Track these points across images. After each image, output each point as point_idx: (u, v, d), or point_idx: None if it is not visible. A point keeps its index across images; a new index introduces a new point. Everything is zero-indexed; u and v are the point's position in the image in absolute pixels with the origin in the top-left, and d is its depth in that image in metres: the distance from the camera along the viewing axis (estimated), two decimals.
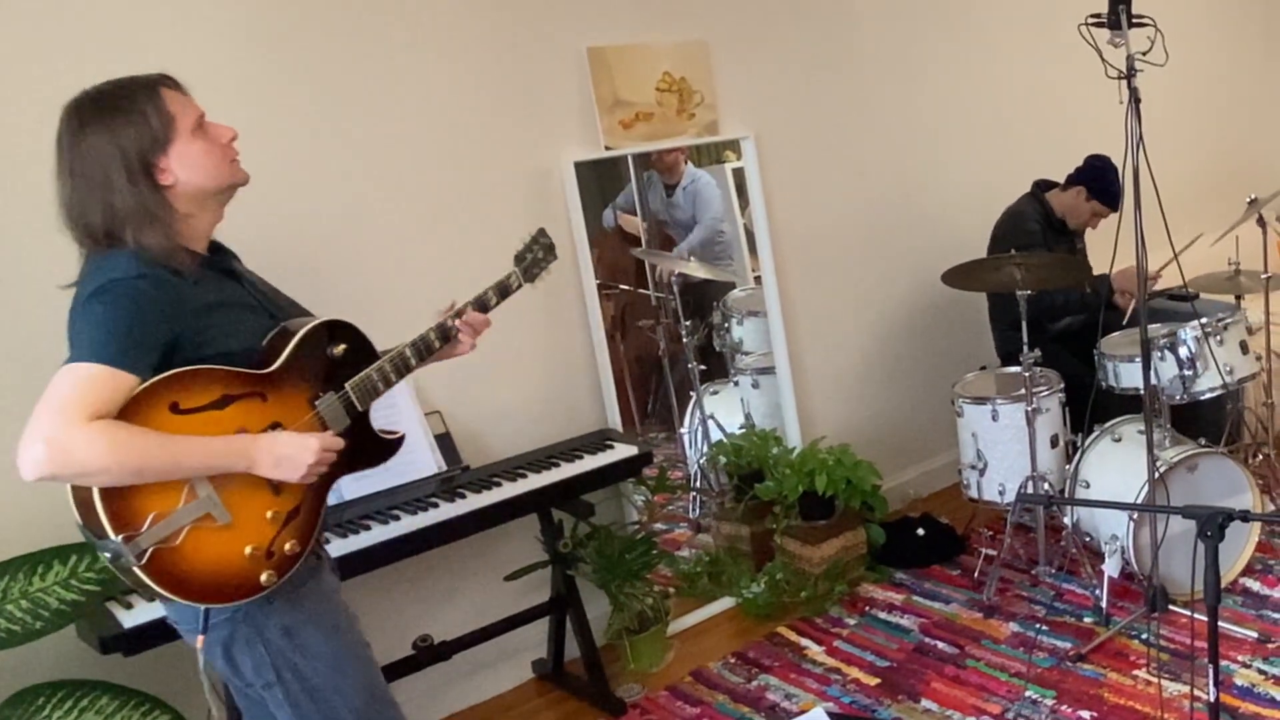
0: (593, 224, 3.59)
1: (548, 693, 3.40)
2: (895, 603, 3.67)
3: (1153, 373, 3.26)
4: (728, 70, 3.81)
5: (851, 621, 3.58)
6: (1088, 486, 3.52)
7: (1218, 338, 3.45)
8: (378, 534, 2.73)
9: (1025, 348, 3.49)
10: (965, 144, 4.58)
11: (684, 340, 3.96)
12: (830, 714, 2.59)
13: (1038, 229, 4.07)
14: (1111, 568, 3.35)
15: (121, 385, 1.67)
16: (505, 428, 3.36)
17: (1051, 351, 3.74)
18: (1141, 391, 3.20)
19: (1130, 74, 2.87)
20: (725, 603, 3.76)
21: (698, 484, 4.08)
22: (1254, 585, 3.44)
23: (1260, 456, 4.02)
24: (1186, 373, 3.44)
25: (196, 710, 2.64)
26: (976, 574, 3.74)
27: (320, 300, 2.14)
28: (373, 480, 2.81)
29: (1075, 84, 3.95)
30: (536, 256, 2.36)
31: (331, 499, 2.08)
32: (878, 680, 3.22)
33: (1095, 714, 2.90)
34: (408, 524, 2.77)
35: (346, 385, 1.97)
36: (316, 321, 1.96)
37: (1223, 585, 3.25)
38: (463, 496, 2.91)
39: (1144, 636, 3.21)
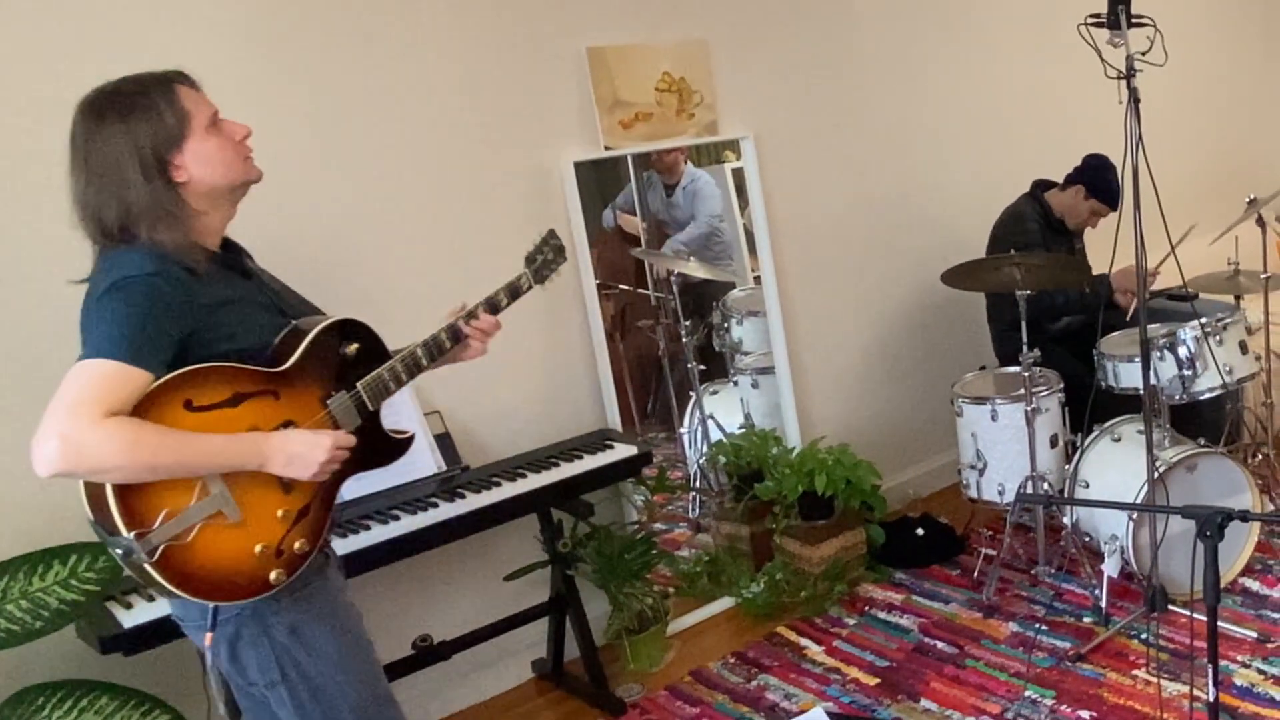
0: (592, 224, 3.59)
1: (547, 692, 3.40)
2: (895, 602, 3.67)
3: (1152, 373, 3.26)
4: (727, 70, 3.81)
5: (851, 621, 3.58)
6: (1087, 486, 3.52)
7: (1217, 338, 3.45)
8: (378, 534, 2.73)
9: (1025, 348, 3.50)
10: (965, 144, 4.58)
11: (683, 340, 3.97)
12: (830, 714, 2.60)
13: (1037, 229, 4.07)
14: (1111, 568, 3.36)
15: (136, 382, 1.67)
16: (505, 428, 3.36)
17: (1049, 351, 3.74)
18: (1141, 391, 3.20)
19: (1129, 74, 2.87)
20: (725, 603, 3.76)
21: (697, 484, 4.08)
22: (1253, 585, 3.44)
23: (1259, 456, 4.02)
24: (1186, 373, 3.44)
25: (196, 710, 2.65)
26: (976, 574, 3.74)
27: (319, 299, 2.14)
28: (372, 480, 2.80)
29: (1075, 84, 3.95)
30: (547, 258, 2.36)
31: None
32: (877, 680, 3.22)
33: (1095, 714, 2.90)
34: (407, 524, 2.78)
35: (358, 384, 1.98)
36: (329, 320, 1.96)
37: (1222, 585, 3.26)
38: (462, 496, 2.91)
39: (1143, 636, 3.21)
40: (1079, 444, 3.62)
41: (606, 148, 3.52)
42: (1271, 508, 3.78)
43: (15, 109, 2.54)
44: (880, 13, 4.28)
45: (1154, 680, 2.99)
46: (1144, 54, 2.88)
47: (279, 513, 1.84)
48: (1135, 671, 3.07)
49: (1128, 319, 3.77)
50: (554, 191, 3.43)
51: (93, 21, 2.63)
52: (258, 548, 1.79)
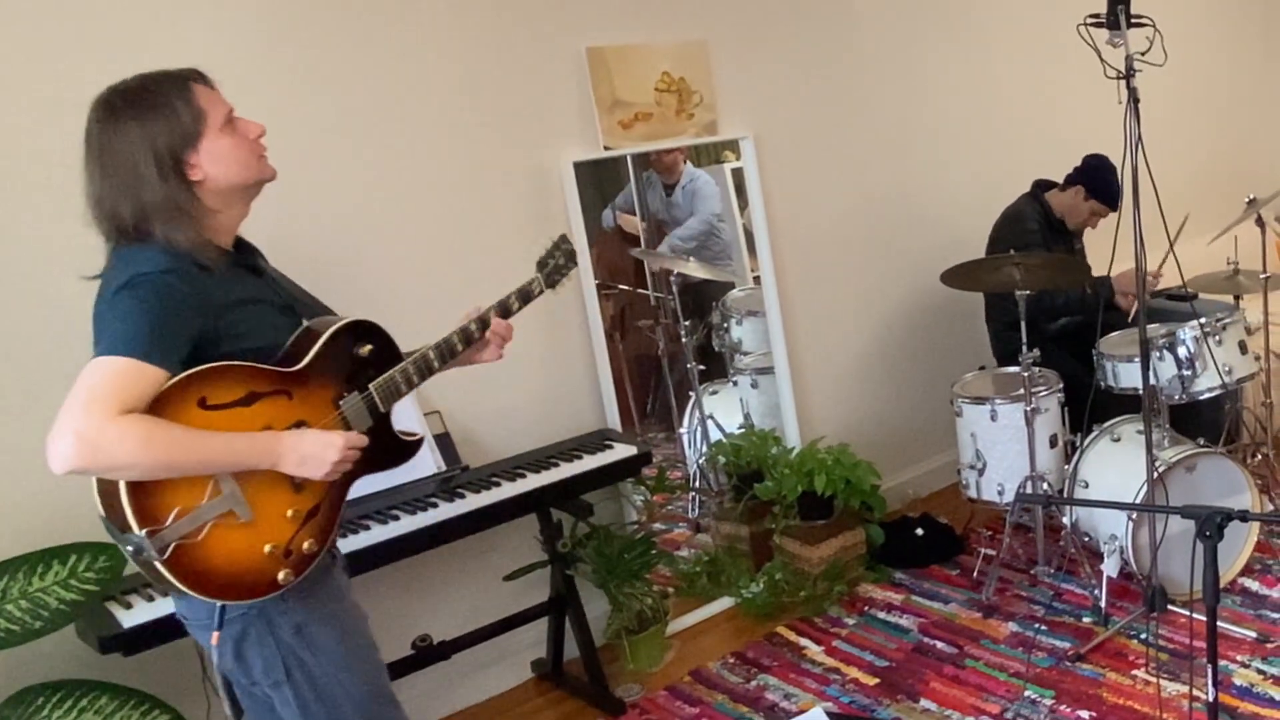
0: (592, 224, 3.60)
1: (547, 692, 3.40)
2: (894, 602, 3.67)
3: (1151, 373, 3.26)
4: (727, 70, 3.81)
5: (850, 621, 3.58)
6: (1086, 486, 3.52)
7: (1216, 338, 3.45)
8: (377, 534, 2.73)
9: (1024, 348, 3.50)
10: (965, 144, 4.58)
11: (683, 340, 3.97)
12: (829, 714, 2.59)
13: (1037, 229, 4.07)
14: (1110, 567, 3.36)
15: (151, 379, 1.67)
16: (504, 428, 3.36)
17: (1047, 352, 3.74)
18: (1140, 391, 3.20)
19: (1129, 74, 2.87)
20: (724, 603, 3.76)
21: (697, 484, 4.08)
22: (1253, 585, 3.44)
23: (1259, 456, 4.02)
24: (1185, 373, 3.44)
25: (195, 710, 2.65)
26: (975, 574, 3.74)
27: (318, 297, 2.14)
28: (372, 480, 2.79)
29: (1075, 84, 3.96)
30: (559, 263, 2.37)
31: None
32: (877, 680, 3.22)
33: (1094, 714, 2.90)
34: (407, 524, 2.78)
35: (370, 386, 1.98)
36: (343, 321, 1.96)
37: (1221, 585, 3.27)
38: (462, 496, 2.91)
39: (1143, 636, 3.22)
40: (1078, 444, 3.62)
41: (606, 148, 3.52)
42: (1271, 508, 3.78)
43: (16, 109, 2.54)
44: (880, 13, 4.28)
45: (1153, 680, 2.99)
46: (1143, 54, 2.88)
47: (289, 513, 1.84)
48: (1135, 671, 3.07)
49: (1129, 321, 3.77)
50: (554, 191, 3.43)
51: (91, 22, 2.63)
52: (267, 547, 1.80)
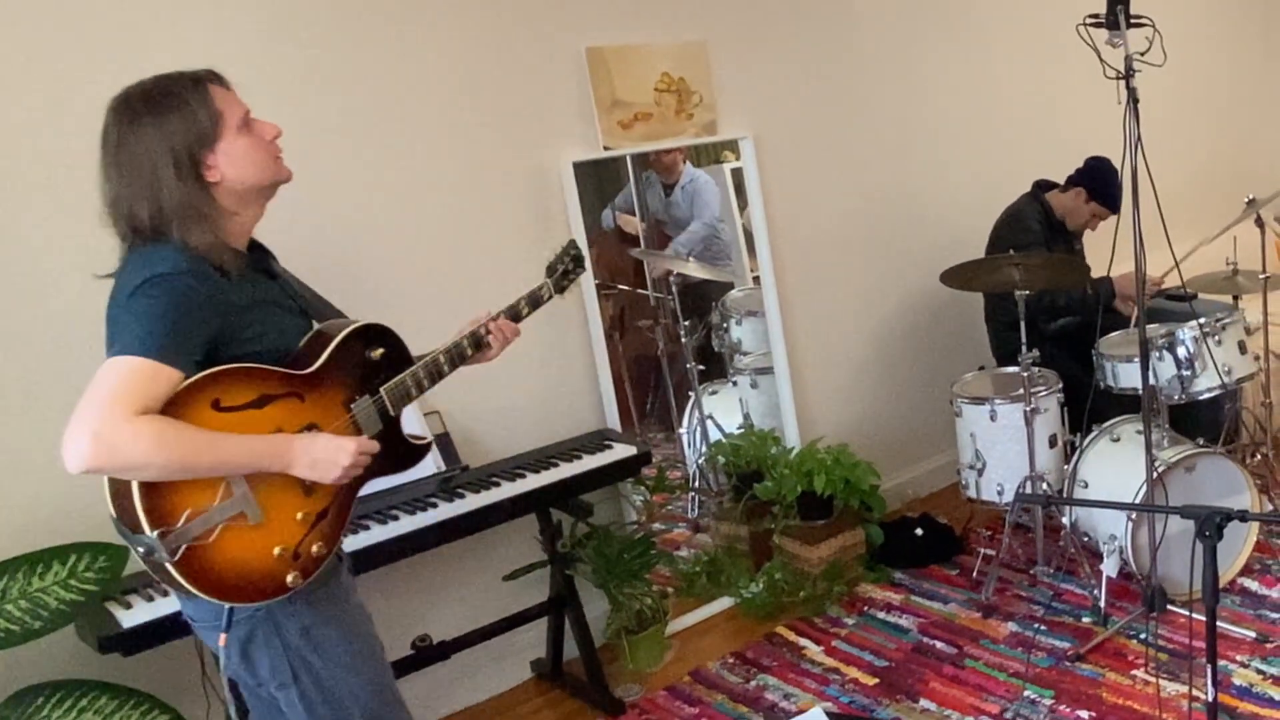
0: (592, 224, 3.60)
1: (546, 692, 3.40)
2: (894, 602, 3.67)
3: (1151, 373, 3.26)
4: (726, 70, 3.81)
5: (850, 621, 3.58)
6: (1086, 486, 3.52)
7: (1216, 338, 3.45)
8: (377, 534, 2.73)
9: (1024, 348, 3.50)
10: (964, 144, 4.58)
11: (683, 340, 3.97)
12: (829, 714, 2.59)
13: (1038, 229, 4.07)
14: (1110, 567, 3.36)
15: (167, 380, 1.67)
16: (504, 428, 3.36)
17: (1047, 352, 3.74)
18: (1140, 391, 3.20)
19: (1128, 74, 2.87)
20: (724, 603, 3.76)
21: (696, 484, 4.08)
22: (1252, 585, 3.44)
23: (1258, 456, 4.02)
24: (1185, 373, 3.44)
25: (195, 710, 2.65)
26: (975, 574, 3.74)
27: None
28: (372, 480, 2.81)
29: (1075, 84, 3.96)
30: (567, 268, 2.39)
31: None
32: (876, 680, 3.22)
33: (1094, 714, 2.90)
34: (407, 524, 2.78)
35: (381, 389, 1.98)
36: (355, 325, 1.97)
37: (1221, 585, 3.26)
38: (461, 496, 2.91)
39: (1142, 636, 3.22)
40: (1078, 444, 3.62)
41: (606, 148, 3.52)
42: (1270, 508, 3.78)
43: (19, 110, 2.54)
44: (880, 13, 4.28)
45: (1153, 680, 2.99)
46: (1143, 54, 2.88)
47: (298, 515, 1.84)
48: (1134, 671, 3.07)
49: (1131, 325, 3.77)
50: (553, 191, 3.43)
51: (90, 23, 2.63)
52: (276, 550, 1.80)
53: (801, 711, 2.85)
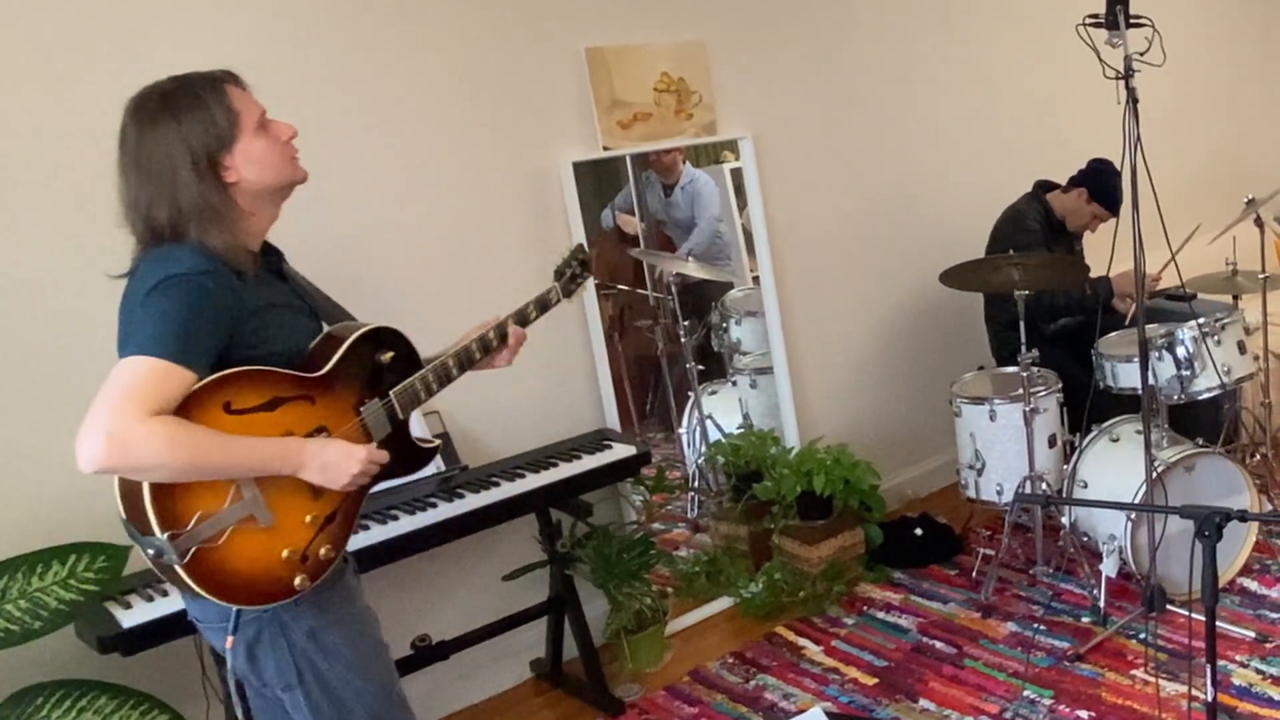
0: (591, 224, 3.59)
1: (546, 692, 3.40)
2: (893, 602, 3.67)
3: (1150, 373, 3.26)
4: (726, 70, 3.81)
5: (849, 621, 3.58)
6: (1085, 486, 3.53)
7: (1215, 338, 3.45)
8: (376, 534, 2.73)
9: (1023, 348, 3.50)
10: (963, 144, 4.58)
11: (682, 340, 3.97)
12: (828, 714, 2.59)
13: (1038, 229, 4.07)
14: (1109, 567, 3.36)
15: (181, 381, 1.67)
16: (503, 428, 3.36)
17: (1046, 352, 3.74)
18: (1139, 391, 3.20)
19: (1128, 74, 2.87)
20: (723, 602, 3.76)
21: (696, 484, 4.08)
22: (1251, 585, 3.45)
23: (1257, 456, 4.02)
24: (1184, 373, 3.44)
25: (195, 710, 2.65)
26: (974, 574, 3.74)
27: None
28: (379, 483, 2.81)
29: (1074, 85, 3.96)
30: (575, 272, 2.39)
31: None
32: (876, 680, 3.22)
33: (1093, 714, 2.91)
34: (406, 524, 2.78)
35: (390, 393, 1.98)
36: (366, 328, 1.97)
37: (1220, 585, 3.26)
38: (461, 496, 2.91)
39: (1142, 636, 3.22)
40: (1077, 444, 3.63)
41: (605, 148, 3.52)
42: (1270, 508, 3.79)
43: (18, 109, 2.54)
44: (880, 13, 4.28)
45: (1152, 680, 2.99)
46: (1142, 54, 2.88)
47: (307, 518, 1.84)
48: (1134, 671, 3.07)
49: (1126, 323, 3.78)
50: (553, 192, 3.43)
51: (90, 22, 2.63)
52: (285, 552, 1.80)
53: (801, 711, 2.85)
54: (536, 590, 3.33)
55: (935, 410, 4.32)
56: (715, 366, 4.18)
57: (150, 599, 2.42)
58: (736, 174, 4.02)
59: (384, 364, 1.98)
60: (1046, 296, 3.88)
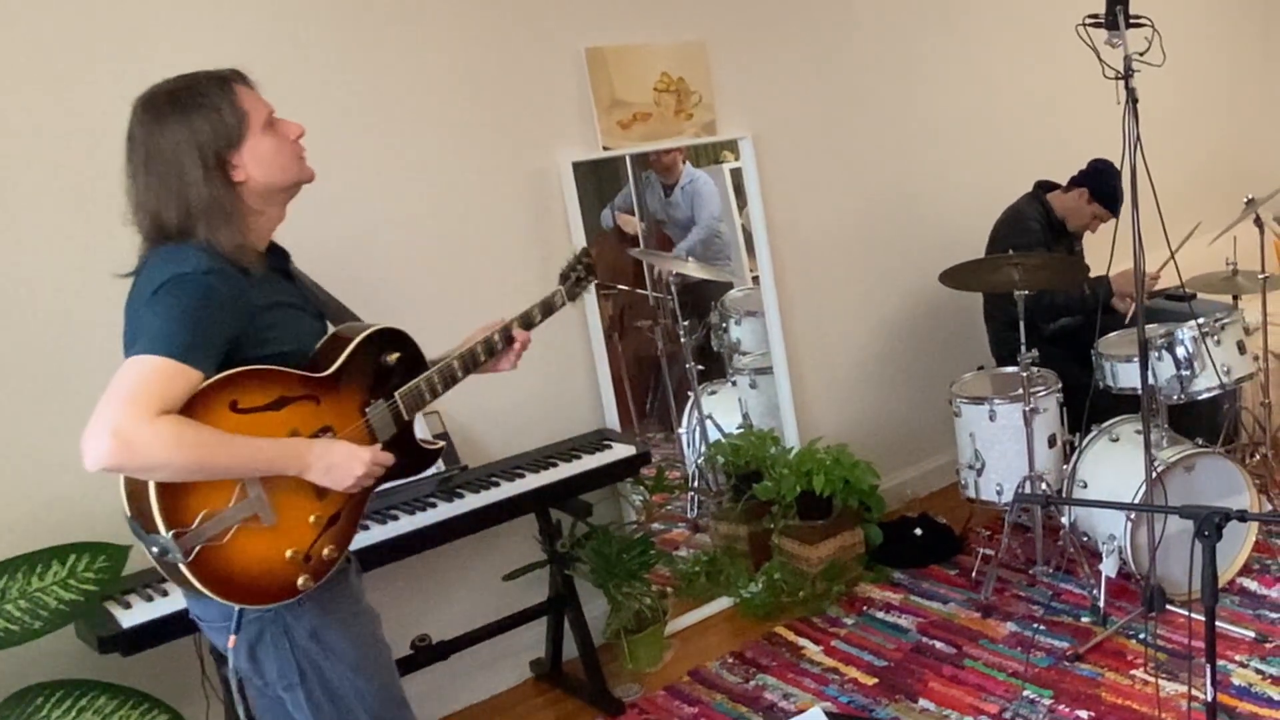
0: (591, 224, 3.59)
1: (546, 692, 3.40)
2: (893, 602, 3.67)
3: (1150, 373, 3.26)
4: (726, 70, 3.81)
5: (849, 621, 3.59)
6: (1085, 486, 3.53)
7: (1215, 338, 3.45)
8: (376, 534, 2.73)
9: (1023, 348, 3.50)
10: (963, 144, 4.58)
11: (682, 340, 3.97)
12: (828, 713, 2.60)
13: (1038, 228, 4.07)
14: (1109, 567, 3.36)
15: (188, 380, 1.67)
16: (503, 428, 3.36)
17: (1046, 352, 3.74)
18: (1139, 391, 3.20)
19: (1128, 74, 2.87)
20: (723, 602, 3.76)
21: (695, 484, 4.08)
22: (1251, 585, 3.45)
23: (1257, 456, 4.02)
24: (1184, 373, 3.44)
25: (194, 710, 2.65)
26: (974, 574, 3.74)
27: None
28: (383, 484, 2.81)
29: (1074, 85, 3.96)
30: (580, 275, 2.39)
31: None
32: (875, 680, 3.22)
33: (1093, 714, 2.91)
34: (406, 524, 2.78)
35: (396, 394, 1.99)
36: (373, 328, 1.97)
37: (1220, 585, 3.26)
38: (461, 496, 2.91)
39: (1141, 636, 3.22)
40: (1077, 444, 3.62)
41: (605, 148, 3.52)
42: (1269, 507, 3.79)
43: (19, 109, 2.54)
44: (879, 13, 4.28)
45: (1152, 680, 2.99)
46: (1142, 54, 2.88)
47: (311, 518, 1.84)
48: (1133, 671, 3.07)
49: (1126, 323, 3.78)
50: (553, 191, 3.43)
51: (90, 22, 2.62)
52: (288, 552, 1.80)
53: (801, 711, 2.85)
54: (536, 590, 3.33)
55: (935, 410, 4.32)
56: (715, 366, 4.18)
57: (150, 599, 2.42)
58: (736, 174, 4.02)
59: (390, 365, 1.98)
60: (1046, 296, 3.88)
